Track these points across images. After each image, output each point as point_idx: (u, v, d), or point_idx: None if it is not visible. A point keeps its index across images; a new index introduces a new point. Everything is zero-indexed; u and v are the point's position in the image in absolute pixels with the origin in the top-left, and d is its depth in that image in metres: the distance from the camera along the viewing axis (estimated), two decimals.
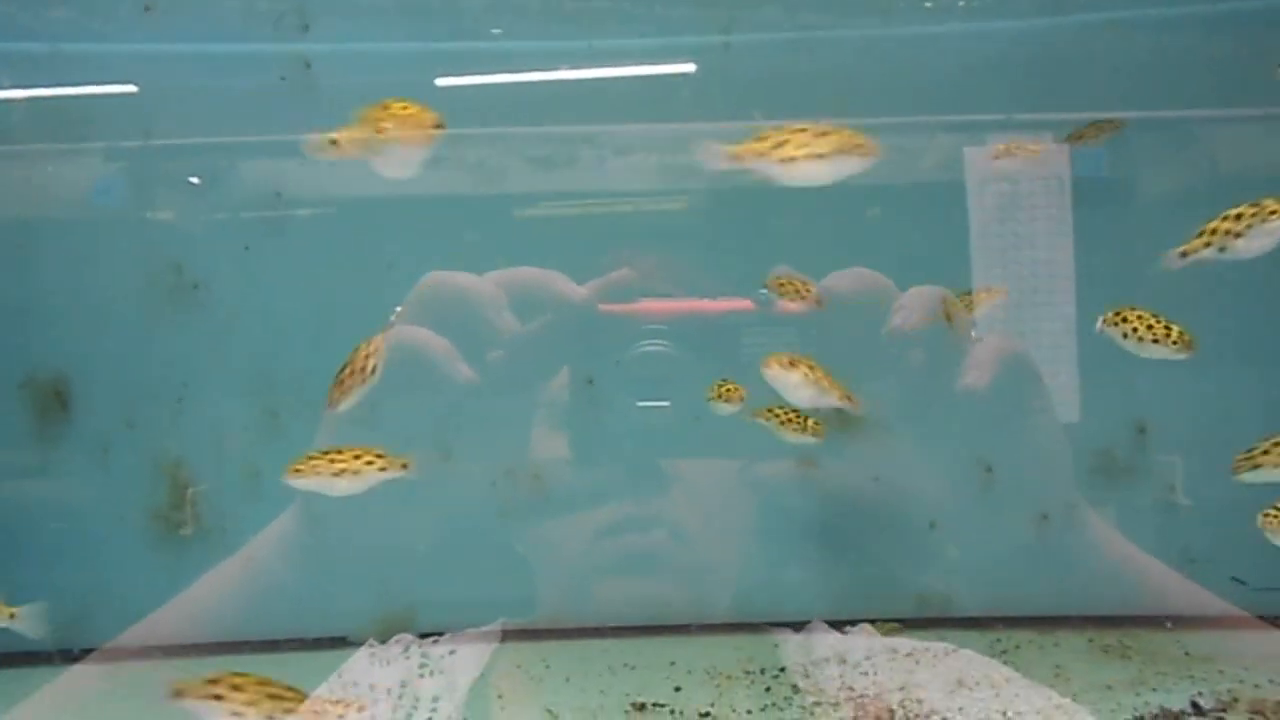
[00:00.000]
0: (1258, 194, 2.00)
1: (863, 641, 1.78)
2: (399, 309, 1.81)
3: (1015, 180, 2.13)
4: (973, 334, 1.88)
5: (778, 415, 1.71)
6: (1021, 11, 1.99)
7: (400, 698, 1.61)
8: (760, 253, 1.91)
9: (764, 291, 1.88)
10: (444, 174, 2.00)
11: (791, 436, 1.71)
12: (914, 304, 1.80)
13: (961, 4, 1.99)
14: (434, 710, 1.58)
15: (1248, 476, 1.52)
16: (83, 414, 1.89)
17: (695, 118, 2.00)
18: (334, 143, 1.28)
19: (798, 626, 1.87)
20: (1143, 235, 2.07)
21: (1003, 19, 1.99)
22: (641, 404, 1.87)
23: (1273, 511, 1.44)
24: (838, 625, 1.85)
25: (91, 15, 1.92)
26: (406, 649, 1.79)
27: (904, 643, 1.78)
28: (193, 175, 1.95)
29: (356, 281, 1.89)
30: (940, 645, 1.75)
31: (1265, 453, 1.51)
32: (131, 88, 1.93)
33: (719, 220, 2.00)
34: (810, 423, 1.71)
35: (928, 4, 1.98)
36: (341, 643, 1.82)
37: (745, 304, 1.89)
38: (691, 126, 2.00)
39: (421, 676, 1.69)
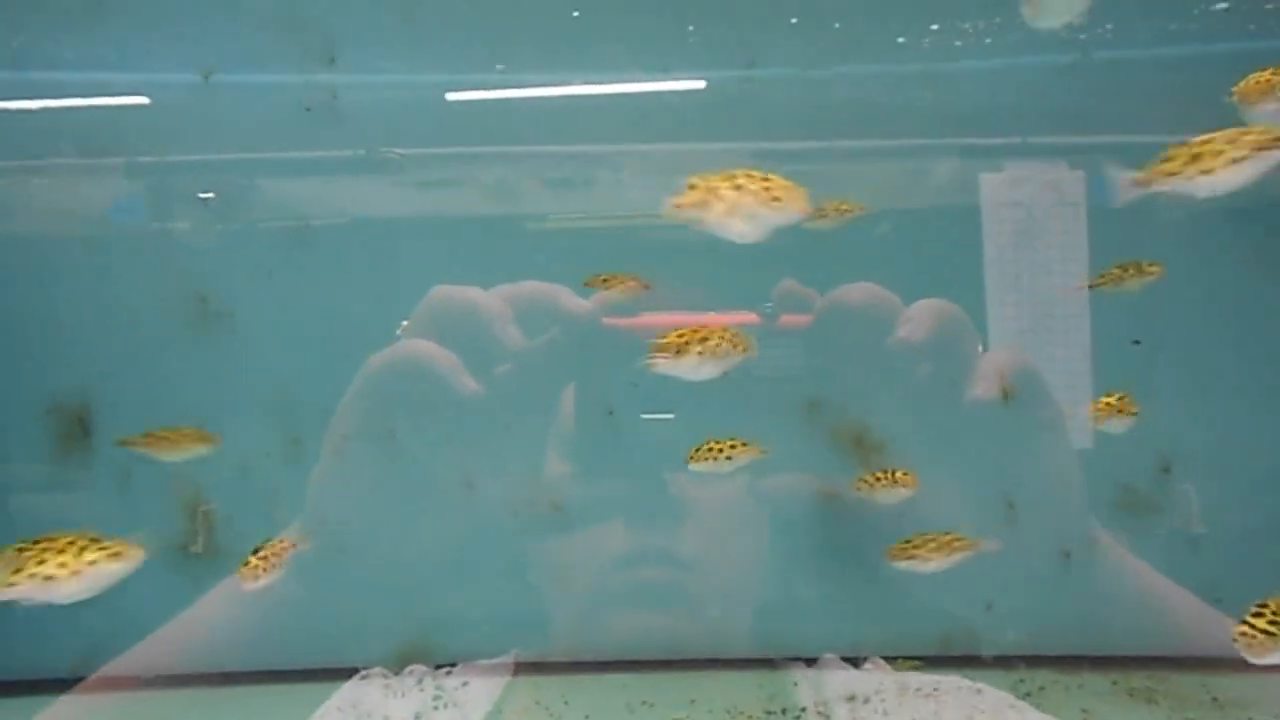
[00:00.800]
0: (1271, 223, 1.98)
1: (885, 679, 1.73)
2: (405, 323, 1.79)
3: (1031, 207, 2.09)
4: (979, 348, 1.84)
5: (868, 482, 1.67)
6: (1041, 50, 1.95)
7: None
8: (766, 267, 1.87)
9: (769, 305, 1.86)
10: (465, 195, 1.98)
11: (884, 494, 1.66)
12: (921, 317, 1.76)
13: (988, 41, 1.95)
14: None
15: (902, 565, 1.56)
16: (105, 440, 1.85)
17: (709, 139, 1.97)
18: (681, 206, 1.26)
19: (815, 662, 1.81)
20: (1159, 263, 2.04)
21: (1027, 55, 1.96)
22: (646, 416, 1.83)
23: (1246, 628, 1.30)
24: (857, 662, 1.79)
25: (122, 45, 1.90)
26: (420, 680, 1.75)
27: (927, 679, 1.72)
28: (218, 202, 1.92)
29: (381, 309, 1.85)
30: (965, 683, 1.69)
31: (917, 547, 1.56)
32: (153, 109, 1.90)
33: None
34: (898, 474, 1.65)
35: (957, 43, 1.95)
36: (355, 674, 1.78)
37: (751, 317, 1.86)
38: (709, 147, 1.98)
39: (436, 709, 1.64)
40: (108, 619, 1.81)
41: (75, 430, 1.86)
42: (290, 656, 1.82)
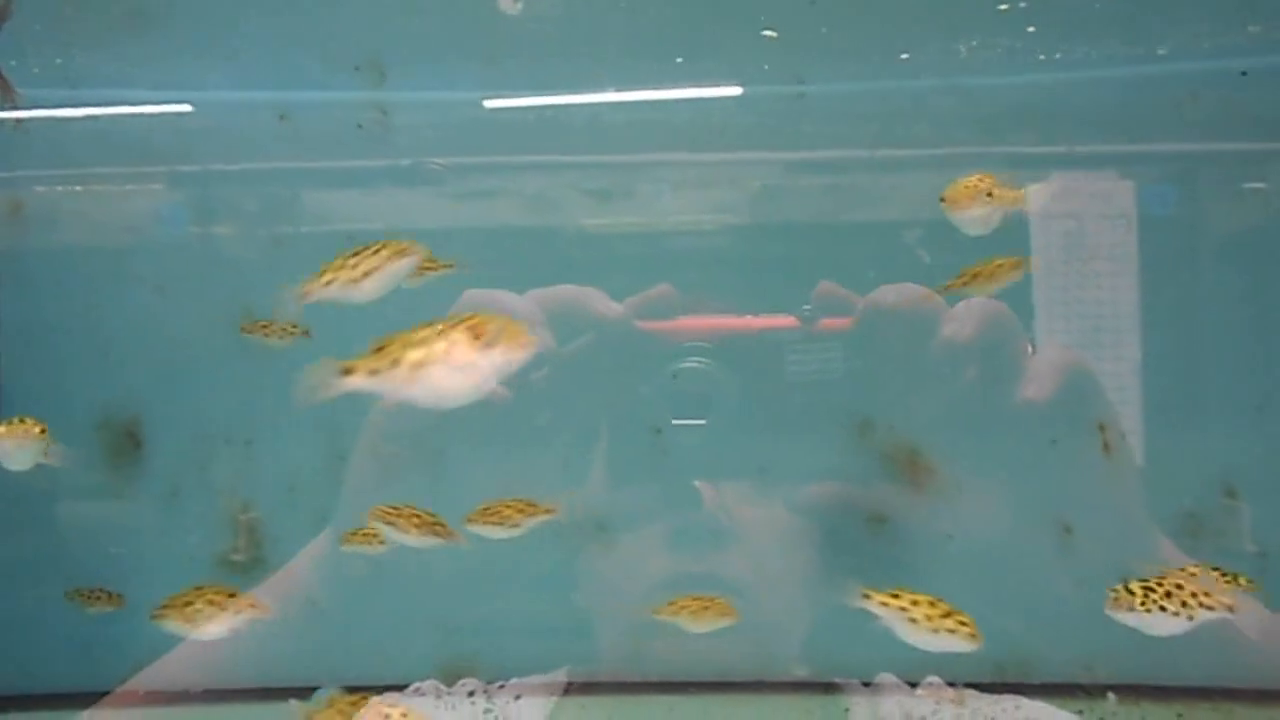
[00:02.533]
0: None
1: (944, 703, 1.64)
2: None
3: (1080, 218, 2.01)
4: (1029, 349, 1.75)
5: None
6: (1089, 65, 1.88)
7: None
8: (805, 271, 1.81)
9: (808, 308, 1.78)
10: (505, 206, 1.94)
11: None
12: (967, 316, 1.68)
13: (1041, 57, 1.87)
14: None
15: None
16: (155, 452, 1.84)
17: (747, 148, 1.90)
18: None
19: (870, 685, 1.72)
20: (1211, 275, 1.94)
21: (1074, 70, 1.88)
22: (677, 422, 1.76)
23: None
24: (910, 684, 1.70)
25: (173, 63, 1.89)
26: (472, 694, 1.70)
27: (988, 701, 1.63)
28: (267, 217, 1.90)
29: (423, 320, 1.82)
30: (1029, 703, 1.60)
31: None
32: (202, 125, 1.89)
33: (763, 245, 1.90)
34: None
35: (1042, 52, 1.87)
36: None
37: (789, 320, 1.79)
38: (744, 155, 1.92)
39: None
40: (152, 638, 1.78)
41: (125, 443, 1.84)
42: (327, 672, 1.77)
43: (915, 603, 1.19)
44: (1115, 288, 2.01)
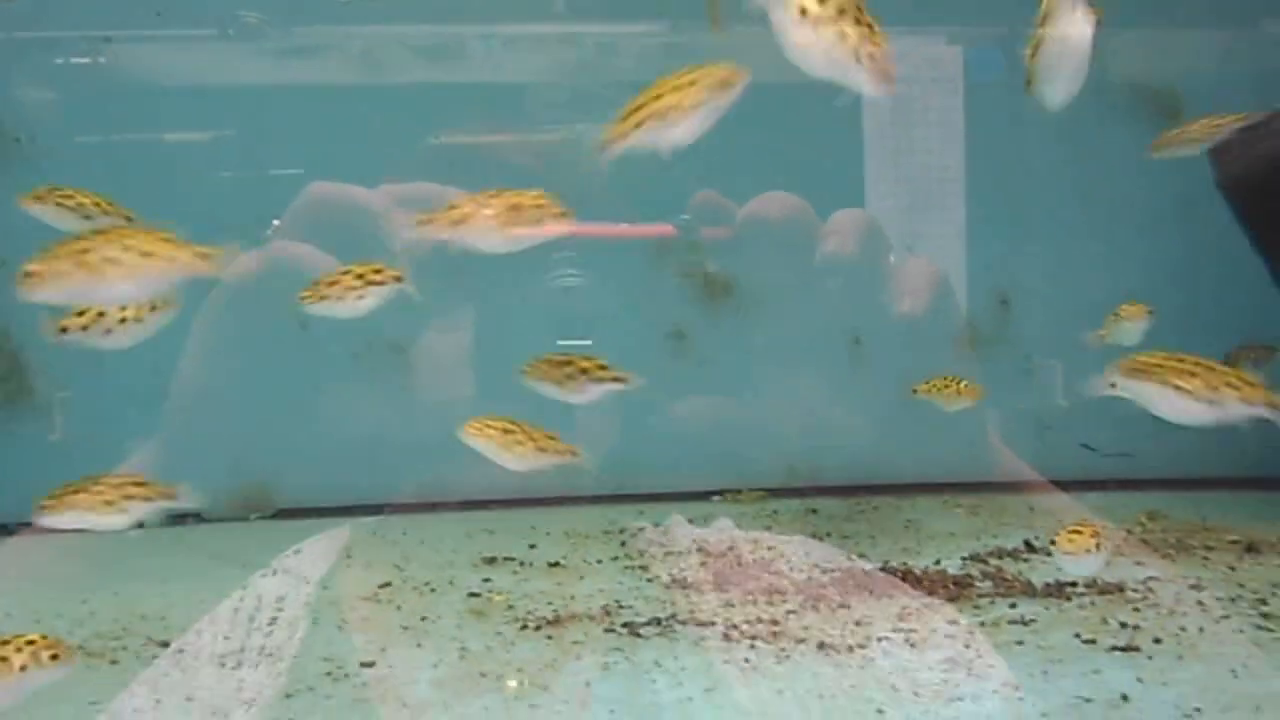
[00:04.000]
0: (1143, 103, 1.95)
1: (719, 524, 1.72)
2: (276, 222, 1.60)
3: (909, 83, 2.05)
4: (891, 258, 1.81)
5: (936, 386, 1.50)
6: None
7: (242, 599, 1.42)
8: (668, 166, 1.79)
9: (686, 217, 1.76)
10: (326, 63, 1.86)
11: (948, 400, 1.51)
12: (845, 229, 1.72)
13: None
14: (279, 610, 1.40)
15: None
16: None
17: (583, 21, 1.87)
18: None
19: (668, 497, 1.82)
20: (1033, 140, 2.00)
21: None
22: (563, 342, 1.70)
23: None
24: (707, 495, 1.82)
25: None
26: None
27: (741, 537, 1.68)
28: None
29: (198, 155, 1.74)
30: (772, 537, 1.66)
31: None
32: None
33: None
34: (963, 385, 1.51)
35: None
36: (196, 519, 1.72)
37: (667, 229, 1.77)
38: (585, 29, 1.88)
39: (264, 577, 1.49)
40: None
41: None
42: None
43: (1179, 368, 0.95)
44: (943, 153, 2.06)
